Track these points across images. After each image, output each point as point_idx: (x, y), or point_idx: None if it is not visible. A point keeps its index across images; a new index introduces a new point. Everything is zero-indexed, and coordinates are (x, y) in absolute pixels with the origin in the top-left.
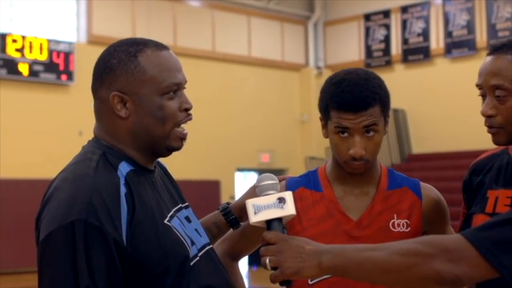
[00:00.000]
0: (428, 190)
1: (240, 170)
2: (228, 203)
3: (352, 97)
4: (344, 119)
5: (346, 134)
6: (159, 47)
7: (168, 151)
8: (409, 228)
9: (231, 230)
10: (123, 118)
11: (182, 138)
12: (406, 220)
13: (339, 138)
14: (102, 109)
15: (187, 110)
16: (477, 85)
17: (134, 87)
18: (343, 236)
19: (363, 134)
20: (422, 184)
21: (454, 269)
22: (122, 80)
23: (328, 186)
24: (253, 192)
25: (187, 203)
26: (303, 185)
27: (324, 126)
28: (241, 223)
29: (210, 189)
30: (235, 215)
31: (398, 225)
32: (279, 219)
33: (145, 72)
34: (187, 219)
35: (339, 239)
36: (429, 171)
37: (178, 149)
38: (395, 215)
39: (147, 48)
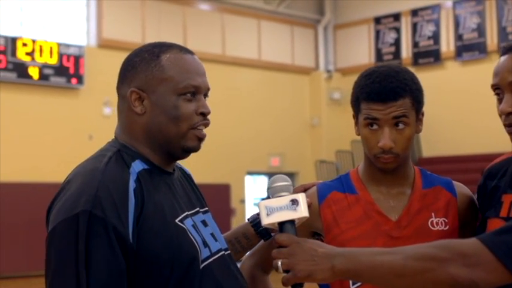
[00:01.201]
0: (462, 188)
1: (250, 173)
2: (258, 214)
3: (381, 87)
4: (373, 109)
5: (375, 127)
6: (183, 50)
7: (184, 152)
8: (447, 227)
9: (261, 241)
10: (139, 115)
11: (200, 138)
12: (443, 218)
13: (368, 131)
14: (122, 106)
15: (203, 114)
16: (493, 85)
17: (152, 85)
18: (383, 236)
19: (393, 126)
20: (455, 182)
21: (470, 274)
22: (141, 77)
23: (363, 188)
24: None
25: (206, 208)
26: (335, 189)
27: (356, 122)
28: (272, 234)
29: (220, 192)
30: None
31: (437, 223)
32: (292, 222)
33: (164, 71)
34: (204, 223)
35: (379, 240)
36: (439, 174)
37: (195, 149)
38: (433, 214)
39: (171, 50)
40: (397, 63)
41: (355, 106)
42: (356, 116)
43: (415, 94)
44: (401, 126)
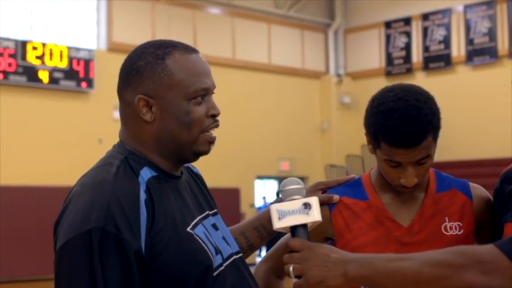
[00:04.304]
0: (478, 190)
1: (260, 177)
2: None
3: (404, 133)
4: (396, 154)
5: (397, 165)
6: (188, 49)
7: (195, 156)
8: (462, 231)
9: (275, 245)
10: (148, 122)
11: (210, 141)
12: (458, 222)
13: (389, 167)
14: (127, 112)
15: (214, 116)
16: None
17: (161, 91)
18: (394, 243)
19: (416, 164)
20: (471, 184)
21: (487, 281)
22: (148, 83)
23: (375, 194)
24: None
25: (215, 210)
26: (345, 194)
27: (370, 143)
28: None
29: (230, 197)
30: None
31: (451, 228)
32: (304, 226)
33: (172, 76)
34: (214, 226)
35: (391, 247)
36: None
37: (206, 153)
38: (446, 218)
39: (176, 51)
40: (408, 68)
41: (373, 139)
42: (373, 145)
43: (435, 128)
44: (423, 160)
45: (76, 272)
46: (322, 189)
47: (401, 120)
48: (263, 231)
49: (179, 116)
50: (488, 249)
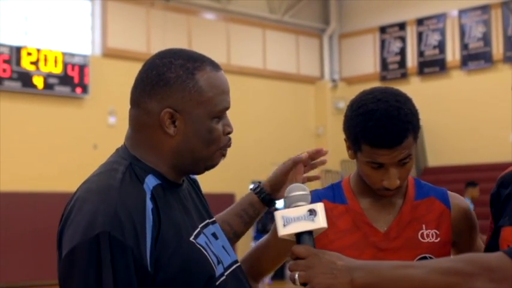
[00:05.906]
0: (457, 199)
1: (255, 182)
2: (259, 182)
3: (385, 133)
4: (378, 155)
5: (379, 166)
6: (215, 66)
7: (205, 169)
8: (438, 239)
9: (250, 250)
10: (169, 135)
11: (223, 155)
12: (435, 230)
13: (371, 169)
14: (144, 120)
15: (229, 133)
16: None
17: (188, 107)
18: (370, 248)
19: (397, 165)
20: (450, 193)
21: None
22: (177, 97)
23: (353, 198)
24: (285, 166)
25: (214, 219)
26: (326, 198)
27: (351, 148)
28: (275, 201)
29: (225, 202)
30: (268, 192)
31: (428, 235)
32: (310, 232)
33: (202, 93)
34: (214, 235)
35: (367, 252)
36: (445, 184)
37: (215, 166)
38: (423, 226)
39: (204, 67)
40: (403, 73)
41: (354, 143)
42: (353, 149)
43: (415, 128)
44: (405, 161)
45: (84, 277)
46: (294, 161)
47: (383, 121)
48: (245, 216)
49: (202, 133)
50: (496, 257)
